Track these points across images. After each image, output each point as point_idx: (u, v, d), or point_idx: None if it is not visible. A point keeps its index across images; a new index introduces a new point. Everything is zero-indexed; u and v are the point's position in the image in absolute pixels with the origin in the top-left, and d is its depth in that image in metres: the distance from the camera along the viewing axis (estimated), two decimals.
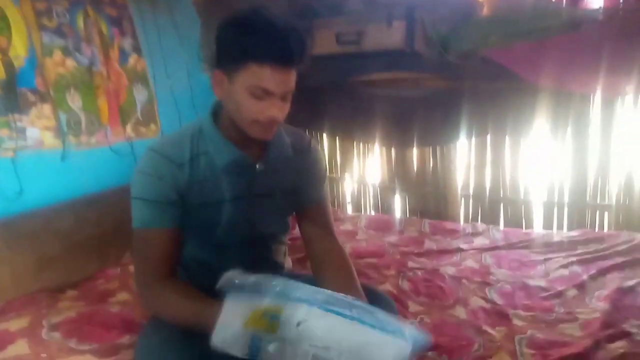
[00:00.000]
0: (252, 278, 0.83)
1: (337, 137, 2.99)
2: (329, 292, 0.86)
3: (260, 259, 1.27)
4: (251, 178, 1.15)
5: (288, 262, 1.47)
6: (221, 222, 1.15)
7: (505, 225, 2.53)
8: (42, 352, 1.18)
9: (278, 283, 0.82)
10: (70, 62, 2.00)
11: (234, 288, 0.83)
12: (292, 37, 0.95)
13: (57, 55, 1.95)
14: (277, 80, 0.97)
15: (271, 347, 0.78)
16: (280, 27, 0.95)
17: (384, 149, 2.84)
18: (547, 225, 2.47)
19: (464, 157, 2.63)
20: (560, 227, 2.42)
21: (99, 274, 1.70)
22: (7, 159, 1.76)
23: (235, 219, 1.16)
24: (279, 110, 1.01)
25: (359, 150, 2.95)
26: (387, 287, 1.68)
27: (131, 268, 1.74)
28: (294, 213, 1.32)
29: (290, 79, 1.00)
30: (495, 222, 2.55)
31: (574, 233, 2.16)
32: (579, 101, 2.27)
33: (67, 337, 1.24)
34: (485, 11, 2.29)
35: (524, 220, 2.52)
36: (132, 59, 2.28)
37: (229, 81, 1.01)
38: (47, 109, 1.89)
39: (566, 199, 2.40)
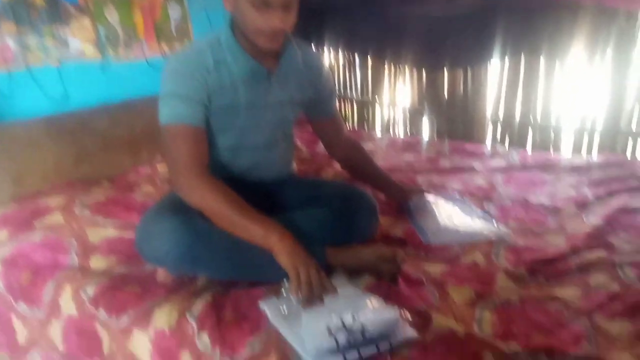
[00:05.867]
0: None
1: (369, 58, 2.97)
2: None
3: (269, 161, 1.40)
4: (265, 87, 1.26)
5: (294, 167, 1.61)
6: (237, 126, 1.27)
7: (533, 151, 2.48)
8: (73, 222, 1.41)
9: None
10: None
11: None
12: None
13: None
14: None
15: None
16: None
17: (414, 71, 2.81)
18: (577, 151, 2.39)
19: (496, 80, 2.55)
20: (589, 153, 2.35)
21: (132, 170, 1.92)
22: (53, 67, 1.97)
23: (249, 123, 1.28)
24: (280, 21, 1.09)
25: (390, 73, 2.94)
26: None
27: (160, 167, 1.94)
28: (311, 125, 1.52)
29: None
30: (524, 147, 2.50)
31: (596, 158, 2.10)
32: (624, 19, 2.11)
33: (94, 214, 1.47)
34: None
35: (552, 147, 2.46)
36: None
37: None
38: (86, 21, 2.06)
39: (599, 126, 2.31)
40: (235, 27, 1.21)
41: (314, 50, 1.44)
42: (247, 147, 1.32)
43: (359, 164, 1.61)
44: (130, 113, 2.00)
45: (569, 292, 1.15)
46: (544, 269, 1.26)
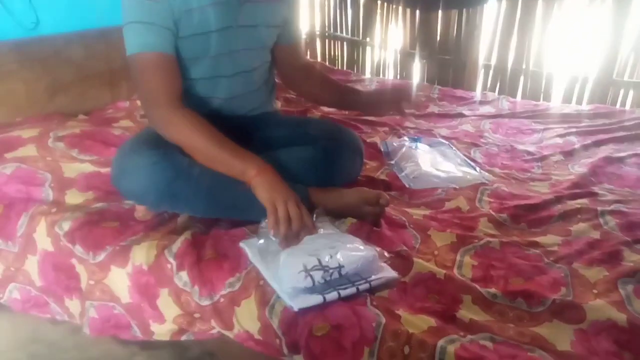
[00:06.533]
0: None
1: None
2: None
3: (248, 92, 1.32)
4: (235, 9, 1.17)
5: (276, 104, 1.54)
6: (209, 54, 1.19)
7: (523, 98, 2.44)
8: (47, 155, 1.35)
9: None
10: None
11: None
12: None
13: None
14: None
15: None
16: None
17: (408, 11, 2.69)
18: (567, 100, 2.36)
19: (491, 24, 2.46)
20: (580, 103, 2.32)
21: (110, 105, 1.84)
22: None
23: (223, 50, 1.19)
24: None
25: (383, 12, 2.81)
26: (375, 139, 1.73)
27: (140, 102, 1.86)
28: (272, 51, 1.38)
29: None
30: (514, 95, 2.46)
31: (585, 107, 2.08)
32: None
33: (69, 147, 1.41)
34: None
35: (542, 95, 2.42)
36: None
37: None
38: None
39: (592, 75, 2.26)
40: None
41: None
42: (223, 77, 1.24)
43: (315, 85, 1.41)
44: (107, 43, 1.88)
45: (550, 239, 1.16)
46: (527, 215, 1.26)
